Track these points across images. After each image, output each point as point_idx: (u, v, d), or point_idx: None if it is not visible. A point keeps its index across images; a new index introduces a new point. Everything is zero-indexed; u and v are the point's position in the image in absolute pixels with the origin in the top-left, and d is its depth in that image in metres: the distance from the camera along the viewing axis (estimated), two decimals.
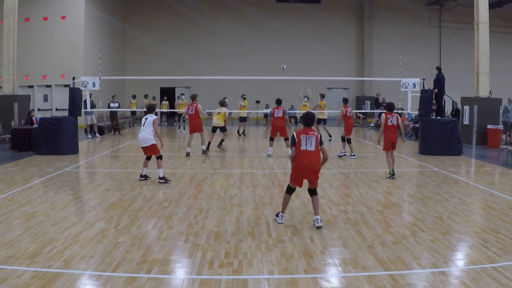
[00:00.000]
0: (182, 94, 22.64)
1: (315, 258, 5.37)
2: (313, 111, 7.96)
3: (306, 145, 6.49)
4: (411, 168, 11.96)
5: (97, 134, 19.34)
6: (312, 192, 6.68)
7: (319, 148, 6.57)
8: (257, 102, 25.92)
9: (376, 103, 25.40)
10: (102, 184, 9.60)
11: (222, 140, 15.31)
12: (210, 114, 15.67)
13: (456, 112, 17.72)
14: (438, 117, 15.15)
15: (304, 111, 7.19)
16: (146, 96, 25.48)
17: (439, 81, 15.40)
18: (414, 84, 16.01)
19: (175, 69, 27.86)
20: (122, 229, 6.42)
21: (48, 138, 13.72)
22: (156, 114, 9.95)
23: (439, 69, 15.91)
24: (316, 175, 6.60)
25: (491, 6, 18.99)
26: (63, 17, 22.93)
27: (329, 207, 7.76)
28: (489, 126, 16.28)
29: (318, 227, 6.50)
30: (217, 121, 14.82)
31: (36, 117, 15.77)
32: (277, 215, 6.91)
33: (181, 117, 21.47)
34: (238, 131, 20.39)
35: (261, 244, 5.82)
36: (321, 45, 30.33)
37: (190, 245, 5.78)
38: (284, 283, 4.67)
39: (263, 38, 30.11)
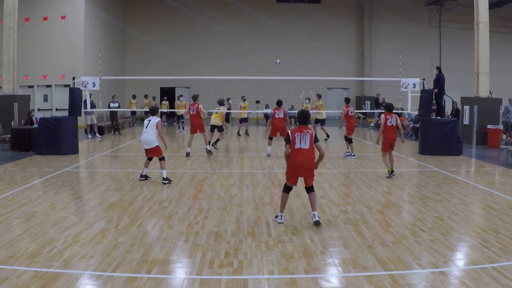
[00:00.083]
0: (181, 95, 22.59)
1: (315, 258, 5.37)
2: (310, 111, 7.99)
3: (300, 143, 6.54)
4: (411, 168, 11.96)
5: (97, 134, 19.34)
6: (309, 189, 6.70)
7: (315, 145, 6.61)
8: (257, 102, 25.92)
9: (376, 103, 25.39)
10: (102, 184, 9.61)
11: (218, 140, 15.20)
12: (210, 114, 15.66)
13: (456, 112, 17.72)
14: (438, 117, 15.14)
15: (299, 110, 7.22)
16: (146, 96, 25.49)
17: (439, 81, 15.40)
18: (414, 84, 16.02)
19: (175, 69, 27.85)
20: (122, 229, 6.42)
21: (48, 138, 13.72)
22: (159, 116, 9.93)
23: (439, 69, 15.90)
24: (310, 173, 6.63)
25: (491, 6, 18.97)
26: (63, 17, 22.93)
27: (329, 207, 7.75)
28: (489, 126, 16.28)
29: (316, 222, 6.51)
30: (214, 120, 14.80)
31: (36, 117, 15.76)
32: (276, 216, 6.91)
33: (181, 118, 21.49)
34: (238, 132, 20.38)
35: (261, 244, 5.82)
36: (321, 45, 30.33)
37: (190, 245, 5.78)
38: (284, 283, 4.67)
39: (263, 38, 30.11)
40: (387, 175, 10.34)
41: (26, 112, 16.12)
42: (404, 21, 30.26)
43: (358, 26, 31.40)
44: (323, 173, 10.83)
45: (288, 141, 6.59)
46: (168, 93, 27.87)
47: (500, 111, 16.90)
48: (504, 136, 16.42)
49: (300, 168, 6.56)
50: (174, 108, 22.02)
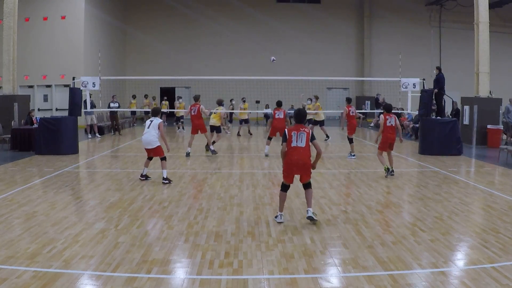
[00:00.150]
0: (180, 97, 22.55)
1: (315, 258, 5.37)
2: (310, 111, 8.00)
3: (296, 142, 6.58)
4: (411, 168, 11.96)
5: (97, 134, 19.34)
6: (305, 186, 6.73)
7: (311, 143, 6.64)
8: (257, 102, 25.93)
9: (376, 103, 25.38)
10: (102, 184, 9.60)
11: (213, 142, 15.09)
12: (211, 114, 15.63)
13: (456, 112, 17.71)
14: (438, 117, 15.15)
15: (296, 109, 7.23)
16: (146, 96, 25.49)
17: (439, 81, 15.40)
18: (414, 84, 16.02)
19: (175, 69, 27.88)
20: (122, 229, 6.41)
21: (48, 138, 13.71)
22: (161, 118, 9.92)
23: (439, 69, 15.91)
24: (306, 171, 6.65)
25: (491, 6, 18.97)
26: (63, 17, 22.94)
27: (329, 207, 7.75)
28: (489, 126, 16.28)
29: (309, 217, 6.53)
30: (212, 120, 14.76)
31: (36, 117, 15.77)
32: (276, 216, 6.91)
33: (180, 119, 21.48)
34: (238, 132, 20.39)
35: (261, 244, 5.82)
36: (321, 45, 30.34)
37: (190, 245, 5.78)
38: (284, 283, 4.67)
39: (263, 38, 30.09)
40: (386, 175, 10.35)
41: (26, 112, 16.12)
42: (404, 21, 30.27)
43: (358, 26, 31.40)
44: (323, 173, 10.84)
45: (285, 139, 6.64)
46: (168, 93, 27.88)
47: (500, 111, 16.91)
48: (504, 136, 16.42)
49: (296, 166, 6.59)
50: (174, 108, 22.00)
